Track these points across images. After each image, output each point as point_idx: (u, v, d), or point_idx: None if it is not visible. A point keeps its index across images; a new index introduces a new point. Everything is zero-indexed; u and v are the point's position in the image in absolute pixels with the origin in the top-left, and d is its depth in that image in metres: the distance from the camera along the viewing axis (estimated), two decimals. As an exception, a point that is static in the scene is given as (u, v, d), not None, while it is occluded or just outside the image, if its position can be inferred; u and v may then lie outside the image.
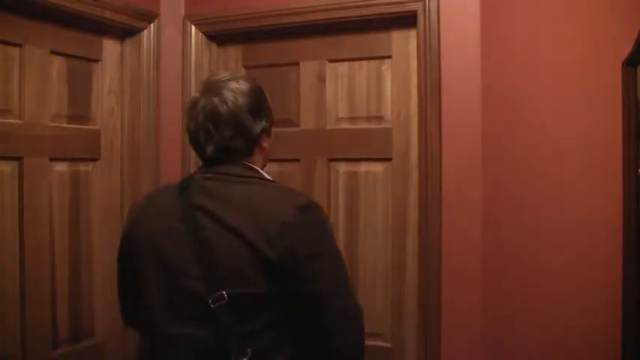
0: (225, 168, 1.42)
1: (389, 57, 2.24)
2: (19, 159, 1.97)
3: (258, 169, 1.47)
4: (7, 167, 1.95)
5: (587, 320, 1.80)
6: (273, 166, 2.34)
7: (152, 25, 2.35)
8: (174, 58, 2.42)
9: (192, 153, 2.38)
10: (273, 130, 1.52)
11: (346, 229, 2.30)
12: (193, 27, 2.42)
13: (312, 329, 1.36)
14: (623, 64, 1.68)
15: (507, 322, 1.93)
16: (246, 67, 2.46)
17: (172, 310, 1.38)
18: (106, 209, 2.29)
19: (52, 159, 2.09)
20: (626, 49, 1.65)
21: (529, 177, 1.90)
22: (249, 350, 1.32)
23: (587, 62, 1.80)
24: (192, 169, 2.33)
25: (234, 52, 2.49)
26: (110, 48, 2.31)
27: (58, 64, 2.12)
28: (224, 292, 1.32)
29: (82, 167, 2.21)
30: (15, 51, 1.97)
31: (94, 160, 2.26)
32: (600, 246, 1.77)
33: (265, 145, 1.49)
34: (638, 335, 1.60)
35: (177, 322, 1.37)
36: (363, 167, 2.30)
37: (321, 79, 2.34)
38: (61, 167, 2.13)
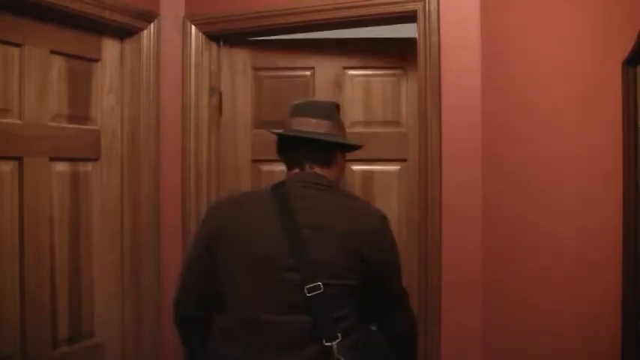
0: (313, 177, 1.71)
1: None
2: (19, 159, 1.97)
3: (333, 181, 1.76)
4: (7, 167, 1.95)
5: (587, 322, 1.80)
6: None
7: (152, 25, 2.35)
8: (174, 58, 2.41)
9: (192, 153, 2.40)
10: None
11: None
12: (193, 27, 2.42)
13: (383, 315, 1.73)
14: (623, 63, 1.68)
15: (507, 323, 1.93)
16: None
17: (268, 299, 1.58)
18: (106, 209, 2.29)
19: (52, 159, 2.09)
20: (626, 49, 1.65)
21: (530, 177, 1.90)
22: (339, 334, 1.53)
23: (586, 61, 1.80)
24: (192, 170, 2.37)
25: (234, 52, 2.50)
26: (110, 48, 2.31)
27: (58, 64, 2.12)
28: (320, 283, 1.53)
29: (82, 167, 2.21)
30: (15, 51, 1.97)
31: (94, 160, 2.26)
32: (601, 250, 1.77)
33: (341, 162, 1.82)
34: (638, 340, 1.60)
35: (272, 308, 1.57)
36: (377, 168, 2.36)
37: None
38: (61, 167, 2.13)
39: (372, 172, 2.37)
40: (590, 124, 1.80)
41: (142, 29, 2.32)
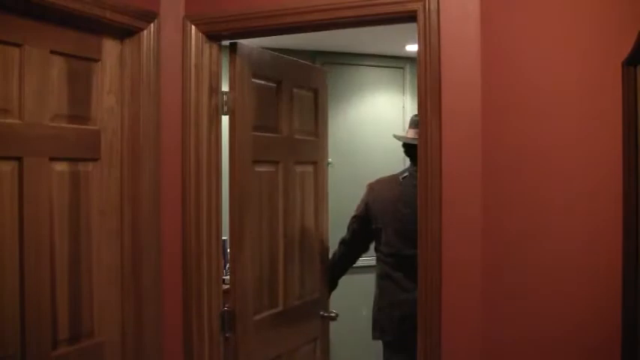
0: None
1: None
2: (19, 159, 1.97)
3: None
4: (7, 167, 1.94)
5: (588, 321, 1.80)
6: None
7: (152, 25, 2.34)
8: (174, 58, 2.41)
9: (192, 153, 2.40)
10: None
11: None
12: (193, 27, 2.42)
13: None
14: (623, 64, 1.68)
15: (508, 323, 1.94)
16: (246, 67, 2.49)
17: (405, 242, 2.78)
18: (106, 209, 2.29)
19: (52, 159, 2.08)
20: (626, 49, 1.65)
21: (530, 177, 1.90)
22: None
23: (586, 61, 1.80)
24: (192, 169, 2.38)
25: (242, 59, 2.52)
26: (110, 48, 2.30)
27: (58, 64, 2.11)
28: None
29: (82, 167, 2.21)
30: (15, 51, 1.96)
31: (94, 160, 2.25)
32: (601, 249, 1.78)
33: None
34: (638, 340, 1.61)
35: (408, 247, 2.63)
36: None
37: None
38: (61, 167, 2.12)
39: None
40: (590, 124, 1.80)
41: (142, 29, 2.32)
